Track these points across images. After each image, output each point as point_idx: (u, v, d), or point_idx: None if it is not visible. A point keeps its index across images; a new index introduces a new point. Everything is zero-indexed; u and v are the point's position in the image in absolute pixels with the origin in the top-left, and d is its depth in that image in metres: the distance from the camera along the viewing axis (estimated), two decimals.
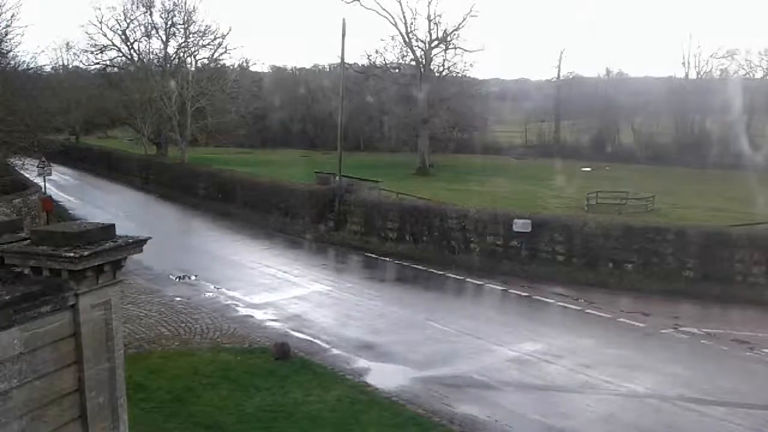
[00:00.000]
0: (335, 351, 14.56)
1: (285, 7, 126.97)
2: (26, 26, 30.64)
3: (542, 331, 16.22)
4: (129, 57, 53.04)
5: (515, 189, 39.15)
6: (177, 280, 20.46)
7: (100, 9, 52.87)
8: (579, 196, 34.20)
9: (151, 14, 51.56)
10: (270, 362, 13.62)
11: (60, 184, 40.00)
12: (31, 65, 36.00)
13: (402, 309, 18.02)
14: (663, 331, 16.20)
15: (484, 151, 60.65)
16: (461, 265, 22.42)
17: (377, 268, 22.94)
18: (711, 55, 58.24)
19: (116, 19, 52.22)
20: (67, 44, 60.03)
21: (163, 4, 50.85)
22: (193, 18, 50.33)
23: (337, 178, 29.23)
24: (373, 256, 24.31)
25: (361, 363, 13.91)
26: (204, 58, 51.50)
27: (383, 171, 42.45)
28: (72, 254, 5.62)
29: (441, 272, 21.77)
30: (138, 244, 6.29)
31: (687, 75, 58.97)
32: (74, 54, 59.15)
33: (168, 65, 50.88)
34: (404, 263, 23.06)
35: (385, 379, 13.07)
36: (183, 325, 16.10)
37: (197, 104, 45.79)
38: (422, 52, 54.50)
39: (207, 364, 13.49)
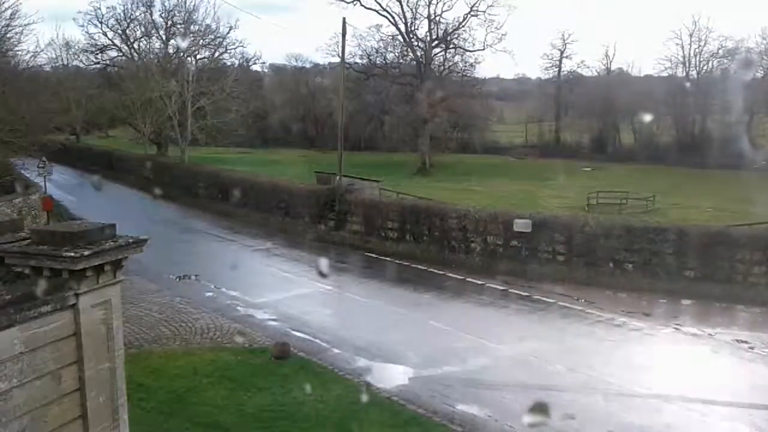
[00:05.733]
0: (335, 350, 14.55)
1: (285, 6, 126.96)
2: (26, 25, 30.39)
3: (542, 331, 16.23)
4: (129, 56, 53.05)
5: (515, 189, 39.16)
6: (177, 279, 20.44)
7: (100, 8, 52.62)
8: (579, 196, 34.19)
9: (151, 13, 51.61)
10: (270, 362, 13.63)
11: (60, 184, 39.96)
12: (31, 64, 35.90)
13: (402, 308, 18.02)
14: (664, 331, 16.19)
15: (484, 150, 60.68)
16: (461, 264, 22.41)
17: (377, 268, 22.93)
18: (712, 55, 58.02)
19: (116, 19, 52.28)
20: (67, 44, 60.02)
21: (164, 4, 50.90)
22: (194, 17, 50.35)
23: (338, 177, 29.21)
24: (374, 255, 24.29)
25: (362, 362, 13.90)
26: (204, 57, 51.54)
27: (383, 171, 42.43)
28: (72, 254, 5.62)
29: (441, 272, 21.76)
30: (138, 243, 6.29)
31: (688, 74, 58.91)
32: (74, 54, 59.20)
33: (168, 65, 50.84)
34: (404, 263, 23.04)
35: (386, 378, 13.07)
36: (183, 324, 16.10)
37: (197, 104, 45.76)
38: (422, 52, 54.53)
39: (207, 364, 13.49)
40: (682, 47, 58.37)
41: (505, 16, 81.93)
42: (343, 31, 28.19)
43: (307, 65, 69.69)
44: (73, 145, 57.67)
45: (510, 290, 19.68)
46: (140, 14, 51.74)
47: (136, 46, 52.97)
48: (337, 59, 42.35)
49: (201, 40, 50.68)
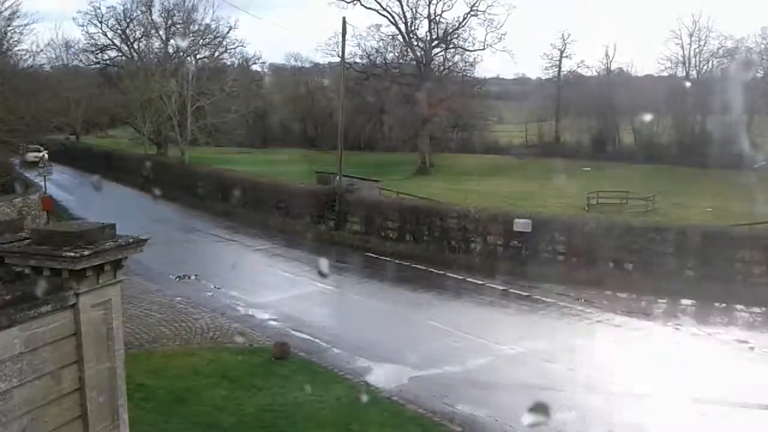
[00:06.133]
0: (335, 350, 14.55)
1: (285, 6, 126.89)
2: (26, 25, 30.41)
3: (542, 331, 16.22)
4: (129, 56, 53.08)
5: (515, 189, 39.18)
6: (177, 279, 20.43)
7: (100, 8, 52.72)
8: (579, 195, 34.20)
9: (150, 13, 51.62)
10: (270, 362, 13.61)
11: (60, 184, 39.97)
12: (31, 64, 35.95)
13: (402, 308, 18.02)
14: (664, 331, 16.19)
15: (484, 150, 60.73)
16: (461, 264, 22.39)
17: (377, 268, 22.93)
18: (712, 54, 58.05)
19: (116, 19, 52.33)
20: (67, 43, 60.06)
21: (163, 4, 50.88)
22: (193, 17, 50.37)
23: (338, 177, 29.23)
24: (374, 255, 24.28)
25: (361, 362, 13.89)
26: (204, 57, 51.57)
27: (383, 171, 42.49)
28: (72, 254, 5.61)
29: (441, 272, 21.74)
30: (138, 243, 6.28)
31: (688, 74, 58.92)
32: (74, 53, 59.24)
33: (168, 64, 50.87)
34: (404, 263, 23.03)
35: (385, 378, 13.05)
36: (183, 324, 16.09)
37: (197, 104, 45.78)
38: (422, 52, 54.55)
39: (207, 364, 13.49)
40: (682, 47, 58.44)
41: (505, 15, 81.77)
42: (343, 30, 28.21)
43: (307, 65, 69.78)
44: (73, 144, 57.72)
45: (510, 290, 19.67)
46: (140, 14, 51.79)
47: (135, 46, 53.01)
48: (337, 59, 42.42)
49: (201, 40, 50.72)
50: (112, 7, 53.18)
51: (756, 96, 51.13)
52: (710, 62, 58.57)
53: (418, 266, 22.48)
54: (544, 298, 18.82)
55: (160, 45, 52.45)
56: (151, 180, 41.22)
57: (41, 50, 44.28)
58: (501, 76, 74.57)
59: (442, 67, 56.88)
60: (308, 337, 15.39)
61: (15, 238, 6.09)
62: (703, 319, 16.87)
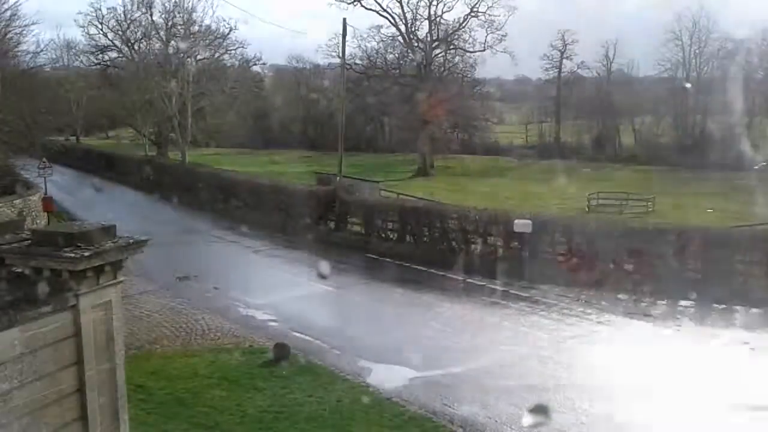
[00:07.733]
0: (336, 351, 14.54)
1: (285, 6, 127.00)
2: (26, 26, 30.44)
3: (543, 332, 16.20)
4: (129, 57, 53.05)
5: (516, 190, 39.20)
6: (177, 280, 20.42)
7: (101, 9, 52.71)
8: (580, 196, 34.19)
9: (151, 14, 51.57)
10: (270, 363, 13.62)
11: (61, 185, 39.96)
12: (31, 65, 35.93)
13: (402, 309, 18.02)
14: (664, 332, 16.19)
15: (484, 151, 60.67)
16: (461, 265, 22.34)
17: (377, 269, 22.91)
18: (712, 56, 57.99)
19: (117, 20, 52.32)
20: (68, 44, 60.14)
21: (164, 5, 50.83)
22: (194, 18, 50.30)
23: (338, 178, 29.27)
24: (374, 256, 24.26)
25: (362, 363, 13.88)
26: (204, 58, 51.50)
27: (384, 172, 42.52)
28: (73, 254, 5.61)
29: (441, 273, 21.70)
30: (139, 244, 6.29)
31: (688, 75, 58.91)
32: (75, 54, 59.30)
33: (168, 65, 50.86)
34: (404, 264, 23.00)
35: (386, 379, 13.04)
36: (183, 325, 16.10)
37: (198, 105, 45.76)
38: (423, 53, 54.60)
39: (207, 365, 13.50)
40: (683, 48, 58.38)
41: (506, 17, 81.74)
42: (343, 31, 28.27)
43: (308, 66, 69.66)
44: (74, 146, 57.78)
45: (510, 291, 19.64)
46: (140, 15, 51.74)
47: (136, 47, 52.96)
48: (338, 60, 42.43)
49: (201, 41, 50.65)
50: (113, 8, 52.95)
51: (756, 97, 51.14)
52: (710, 63, 58.59)
53: (419, 267, 22.46)
54: (544, 299, 18.81)
55: (160, 46, 52.34)
56: (152, 181, 41.24)
57: (41, 51, 44.19)
58: (501, 77, 74.52)
59: (442, 68, 56.90)
60: (308, 338, 15.38)
61: (16, 239, 6.09)
62: (704, 320, 16.86)
